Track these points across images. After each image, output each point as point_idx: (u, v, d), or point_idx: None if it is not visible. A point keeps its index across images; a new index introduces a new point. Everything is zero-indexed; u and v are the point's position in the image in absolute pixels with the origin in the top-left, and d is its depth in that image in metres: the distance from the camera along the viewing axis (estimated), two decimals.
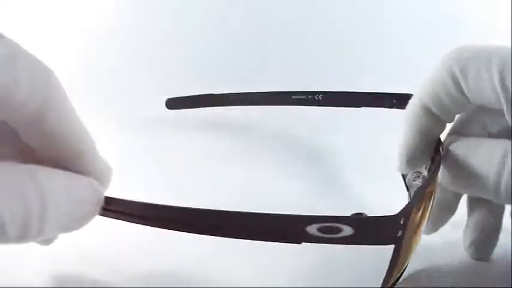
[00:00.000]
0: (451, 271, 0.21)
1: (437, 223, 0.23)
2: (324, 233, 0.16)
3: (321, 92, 0.34)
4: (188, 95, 0.39)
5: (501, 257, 0.22)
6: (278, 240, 0.17)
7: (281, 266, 0.22)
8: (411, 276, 0.21)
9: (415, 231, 0.19)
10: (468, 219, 0.22)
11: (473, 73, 0.18)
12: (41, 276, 0.21)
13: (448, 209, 0.23)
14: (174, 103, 0.39)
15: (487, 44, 0.19)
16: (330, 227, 0.16)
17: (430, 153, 0.21)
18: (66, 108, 0.16)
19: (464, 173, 0.19)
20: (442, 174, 0.21)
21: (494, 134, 0.20)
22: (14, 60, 0.14)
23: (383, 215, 0.16)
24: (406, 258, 0.19)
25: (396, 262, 0.18)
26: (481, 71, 0.18)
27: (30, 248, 0.19)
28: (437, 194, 0.21)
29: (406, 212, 0.16)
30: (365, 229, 0.16)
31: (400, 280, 0.20)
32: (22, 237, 0.15)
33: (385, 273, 0.18)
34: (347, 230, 0.16)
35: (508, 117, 0.18)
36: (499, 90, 0.17)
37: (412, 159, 0.21)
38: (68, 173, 0.17)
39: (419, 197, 0.18)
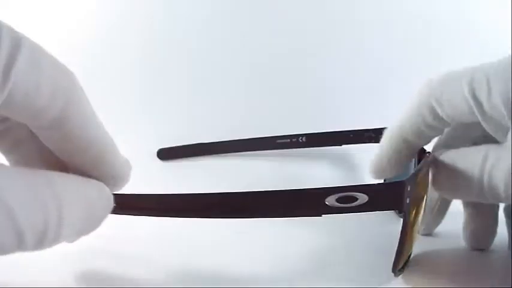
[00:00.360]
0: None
1: (431, 225, 0.25)
2: (342, 203, 0.18)
3: (304, 134, 0.38)
4: (177, 145, 0.41)
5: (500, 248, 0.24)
6: (299, 215, 0.19)
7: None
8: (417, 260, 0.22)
9: (414, 219, 0.21)
10: (464, 214, 0.24)
11: (447, 95, 0.20)
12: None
13: (439, 213, 0.25)
14: (164, 154, 0.40)
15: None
16: (347, 196, 0.18)
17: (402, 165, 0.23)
18: (87, 111, 0.16)
19: (452, 181, 0.21)
20: (433, 183, 0.22)
21: (478, 142, 0.21)
22: (36, 65, 0.14)
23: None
24: (412, 240, 0.21)
25: (404, 241, 0.19)
26: (453, 90, 0.19)
27: None
28: (429, 199, 0.23)
29: (411, 180, 0.19)
30: (377, 195, 0.18)
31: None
32: (39, 245, 0.14)
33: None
34: (362, 198, 0.18)
35: (484, 125, 0.20)
36: (471, 103, 0.19)
37: (381, 171, 0.22)
38: (80, 178, 0.17)
39: (419, 171, 0.20)
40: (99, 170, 0.18)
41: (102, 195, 0.18)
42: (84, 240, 0.23)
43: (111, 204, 0.18)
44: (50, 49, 0.43)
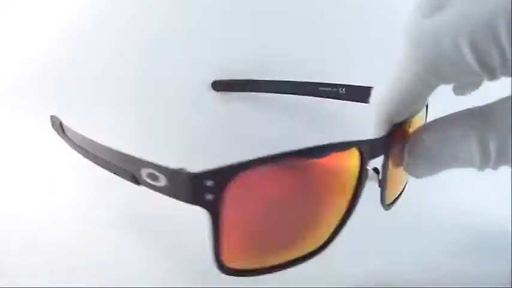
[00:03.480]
0: None
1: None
2: (150, 179, 0.16)
3: (345, 85, 0.32)
4: (230, 79, 0.40)
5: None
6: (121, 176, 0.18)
7: None
8: None
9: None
10: None
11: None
12: None
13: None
14: (218, 85, 0.41)
15: None
16: (153, 174, 0.16)
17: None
18: None
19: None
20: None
21: None
22: None
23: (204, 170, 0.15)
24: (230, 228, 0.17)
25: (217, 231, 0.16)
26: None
27: None
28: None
29: (219, 175, 0.15)
30: (176, 182, 0.15)
31: None
32: None
33: None
34: (163, 180, 0.16)
35: None
36: None
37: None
38: None
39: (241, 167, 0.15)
40: None
41: None
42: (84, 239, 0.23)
43: None
44: (50, 49, 0.39)
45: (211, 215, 0.15)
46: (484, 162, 0.17)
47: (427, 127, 0.19)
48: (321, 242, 0.19)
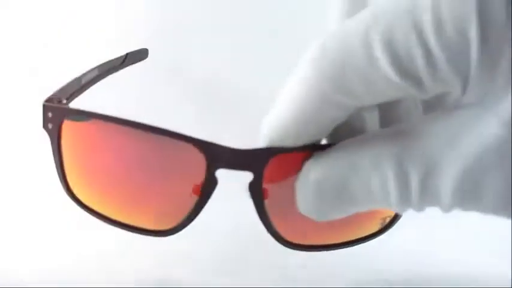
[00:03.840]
0: None
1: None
2: None
3: None
4: None
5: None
6: None
7: None
8: None
9: None
10: None
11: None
12: None
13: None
14: None
15: None
16: None
17: None
18: None
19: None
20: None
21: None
22: None
23: None
24: None
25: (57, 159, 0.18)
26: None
27: None
28: None
29: (57, 111, 0.18)
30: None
31: None
32: None
33: None
34: None
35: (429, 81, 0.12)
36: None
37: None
38: None
39: None
40: None
41: None
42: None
43: None
44: (52, 48, 0.39)
45: (51, 142, 0.18)
46: (403, 200, 0.13)
47: (329, 151, 0.15)
48: (166, 226, 0.19)
